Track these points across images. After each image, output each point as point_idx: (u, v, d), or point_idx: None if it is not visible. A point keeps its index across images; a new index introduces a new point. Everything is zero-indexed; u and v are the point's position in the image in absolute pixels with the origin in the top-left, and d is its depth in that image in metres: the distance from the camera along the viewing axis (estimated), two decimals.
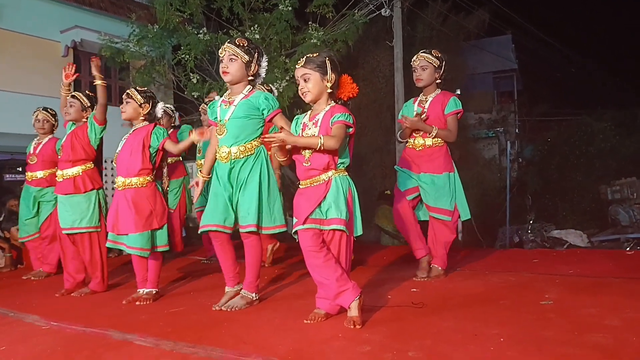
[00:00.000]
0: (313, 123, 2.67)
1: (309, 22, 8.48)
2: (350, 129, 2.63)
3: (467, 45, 13.72)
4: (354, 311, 2.53)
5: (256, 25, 8.14)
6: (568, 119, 14.43)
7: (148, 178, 3.50)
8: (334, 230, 2.59)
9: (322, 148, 2.53)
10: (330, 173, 2.61)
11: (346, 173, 2.68)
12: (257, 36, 7.90)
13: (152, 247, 3.49)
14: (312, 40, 8.04)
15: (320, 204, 2.59)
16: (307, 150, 2.63)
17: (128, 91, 3.58)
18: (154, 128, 3.54)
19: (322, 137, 2.53)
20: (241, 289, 3.12)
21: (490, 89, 17.00)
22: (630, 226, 9.29)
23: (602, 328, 2.28)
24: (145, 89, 3.66)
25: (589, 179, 11.29)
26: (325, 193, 2.59)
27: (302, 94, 2.68)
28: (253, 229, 2.99)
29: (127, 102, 3.54)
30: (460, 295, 3.10)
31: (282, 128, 2.88)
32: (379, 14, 9.05)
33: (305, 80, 2.66)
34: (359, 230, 2.67)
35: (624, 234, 8.92)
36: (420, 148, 3.65)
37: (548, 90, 17.47)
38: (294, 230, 2.71)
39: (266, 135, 2.64)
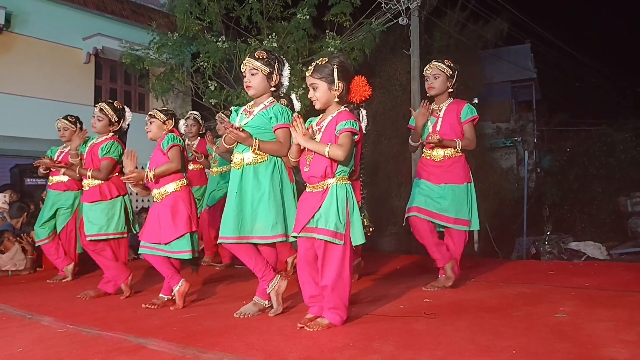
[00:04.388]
0: (318, 129, 2.73)
1: (327, 31, 8.53)
2: (356, 136, 2.65)
3: (485, 54, 13.66)
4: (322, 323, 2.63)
5: (274, 34, 8.22)
6: (587, 129, 14.27)
7: (181, 182, 3.52)
8: (322, 240, 2.62)
9: (328, 156, 2.59)
10: (329, 181, 2.65)
11: (346, 181, 2.69)
12: (274, 44, 7.97)
13: (193, 249, 3.50)
14: (329, 49, 8.09)
15: (315, 213, 2.64)
16: (309, 155, 2.70)
17: (151, 113, 3.61)
18: (165, 136, 3.54)
19: (329, 146, 2.58)
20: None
21: (508, 98, 16.87)
22: None
23: (617, 342, 2.25)
24: (167, 108, 3.69)
25: (609, 190, 11.13)
26: (322, 202, 2.63)
27: (313, 102, 2.73)
28: (264, 240, 2.99)
29: (150, 122, 3.57)
30: (473, 306, 3.08)
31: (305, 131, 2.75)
32: (396, 23, 9.07)
33: (313, 88, 2.71)
34: (358, 239, 2.66)
35: None
36: (440, 159, 3.64)
37: (567, 100, 17.32)
38: (292, 237, 2.83)
39: (296, 121, 2.66)
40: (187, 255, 3.46)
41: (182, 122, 3.72)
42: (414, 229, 3.70)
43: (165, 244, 3.44)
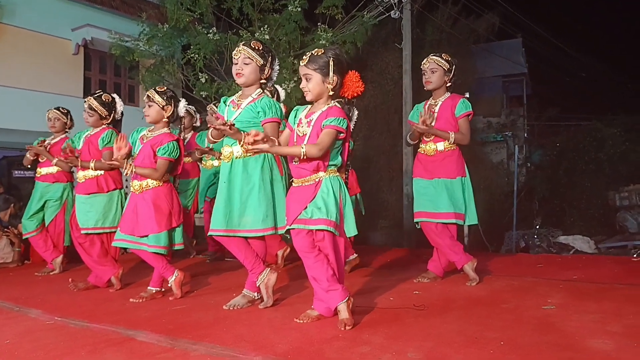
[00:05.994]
0: (307, 122, 2.65)
1: (318, 24, 8.49)
2: (342, 134, 2.60)
3: (476, 49, 13.68)
4: (343, 313, 2.54)
5: (265, 26, 8.17)
6: (577, 124, 14.36)
7: (163, 178, 3.49)
8: (322, 230, 2.57)
9: (305, 157, 2.53)
10: (320, 174, 2.60)
11: (337, 173, 2.66)
12: (266, 37, 7.92)
13: (171, 245, 3.48)
14: (320, 42, 8.05)
15: (308, 205, 2.58)
16: None
17: (149, 94, 3.48)
18: (167, 142, 3.43)
19: (304, 147, 2.51)
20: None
21: (499, 93, 16.88)
22: (638, 233, 9.25)
23: (604, 334, 2.27)
24: (165, 88, 3.55)
25: (598, 185, 11.21)
26: (315, 194, 2.58)
27: (304, 92, 2.68)
28: (254, 234, 2.98)
29: (149, 106, 3.47)
30: (462, 299, 3.10)
31: (266, 136, 2.63)
32: (388, 16, 9.06)
33: (307, 79, 2.64)
34: (352, 230, 2.64)
35: (632, 240, 8.87)
36: (433, 153, 3.60)
37: (558, 95, 17.40)
38: (284, 231, 2.76)
39: (249, 145, 2.53)
40: (162, 251, 3.43)
41: (182, 102, 3.57)
42: (425, 234, 3.66)
43: (140, 237, 3.43)
